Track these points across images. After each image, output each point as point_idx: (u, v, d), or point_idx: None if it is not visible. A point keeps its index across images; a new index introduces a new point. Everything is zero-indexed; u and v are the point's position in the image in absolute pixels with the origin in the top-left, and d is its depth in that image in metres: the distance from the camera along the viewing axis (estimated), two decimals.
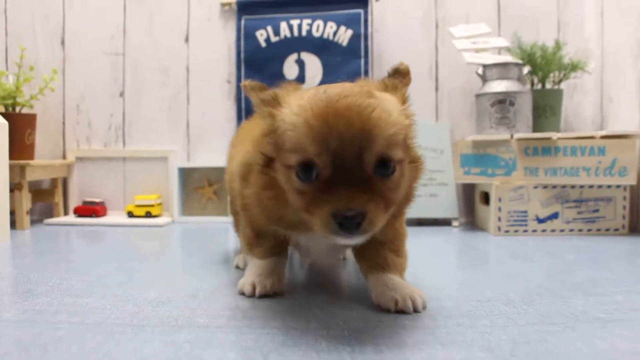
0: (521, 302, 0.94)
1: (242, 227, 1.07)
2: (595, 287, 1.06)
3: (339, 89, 0.76)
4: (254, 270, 1.00)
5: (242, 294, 0.97)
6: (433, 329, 0.79)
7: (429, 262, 1.35)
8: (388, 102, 0.78)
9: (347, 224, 0.71)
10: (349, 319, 0.84)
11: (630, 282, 1.10)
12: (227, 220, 2.09)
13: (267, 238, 0.99)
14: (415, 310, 0.87)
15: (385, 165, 0.74)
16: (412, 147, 0.84)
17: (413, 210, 1.88)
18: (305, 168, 0.74)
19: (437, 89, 2.16)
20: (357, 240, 0.78)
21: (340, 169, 0.72)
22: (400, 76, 0.87)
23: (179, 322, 0.82)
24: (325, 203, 0.72)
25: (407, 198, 0.88)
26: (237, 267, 1.25)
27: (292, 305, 0.92)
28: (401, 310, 0.86)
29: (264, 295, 0.95)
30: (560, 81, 1.97)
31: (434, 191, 2.02)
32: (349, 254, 1.25)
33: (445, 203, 2.02)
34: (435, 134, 2.09)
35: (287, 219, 0.87)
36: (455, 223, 2.00)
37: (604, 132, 1.75)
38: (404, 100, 0.84)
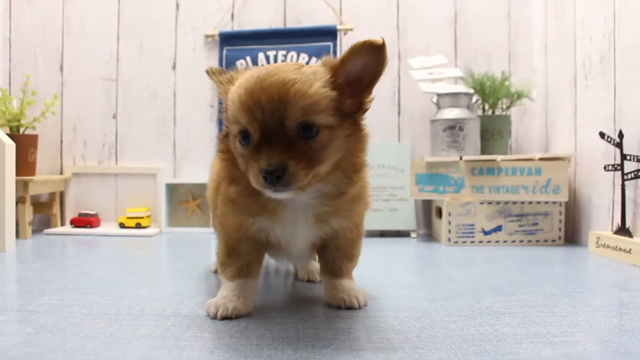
0: (442, 300, 1.16)
1: (217, 244, 1.14)
2: (509, 288, 1.27)
3: (272, 68, 0.90)
4: (221, 292, 1.04)
5: (207, 314, 1.02)
6: (365, 318, 1.02)
7: (381, 268, 1.54)
8: (312, 75, 0.89)
9: (270, 177, 0.84)
10: (300, 311, 1.07)
11: (539, 285, 1.30)
12: (209, 231, 2.31)
13: (239, 255, 1.04)
14: (359, 307, 1.09)
15: (307, 129, 0.87)
16: (355, 118, 0.95)
17: (376, 222, 2.17)
18: (244, 135, 0.90)
19: (399, 112, 2.38)
20: (286, 194, 0.88)
21: (268, 134, 0.86)
22: (353, 49, 0.91)
23: (167, 313, 1.04)
24: (255, 162, 0.87)
25: (354, 165, 0.98)
26: (211, 270, 1.46)
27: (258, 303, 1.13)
28: (349, 307, 1.08)
29: (225, 318, 0.99)
30: (508, 107, 2.19)
31: (394, 206, 2.25)
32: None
33: (405, 217, 2.25)
34: (397, 153, 2.30)
35: (247, 188, 0.95)
36: (413, 234, 2.22)
37: (540, 155, 1.99)
38: (334, 71, 0.92)
